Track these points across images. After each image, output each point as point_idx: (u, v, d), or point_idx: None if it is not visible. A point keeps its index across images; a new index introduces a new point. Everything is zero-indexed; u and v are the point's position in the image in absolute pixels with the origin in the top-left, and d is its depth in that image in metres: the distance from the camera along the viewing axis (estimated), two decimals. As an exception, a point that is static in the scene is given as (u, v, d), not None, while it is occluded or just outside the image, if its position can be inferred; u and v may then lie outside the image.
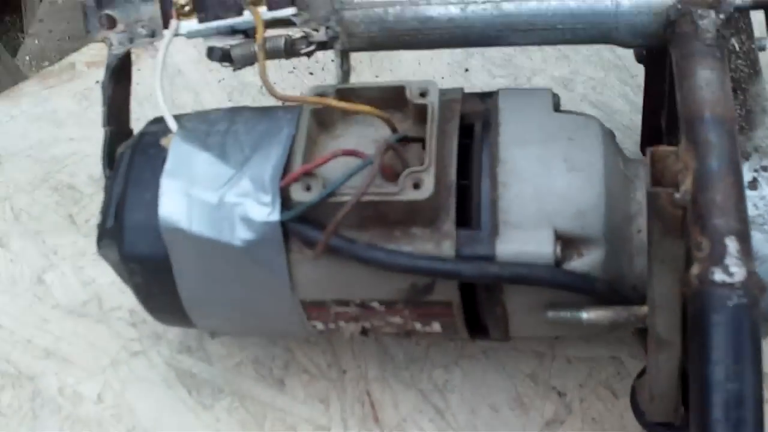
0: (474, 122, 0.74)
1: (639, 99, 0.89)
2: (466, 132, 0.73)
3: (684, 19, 0.67)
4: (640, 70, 0.87)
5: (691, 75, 0.64)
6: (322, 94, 0.72)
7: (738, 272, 0.53)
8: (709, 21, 0.66)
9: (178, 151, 0.74)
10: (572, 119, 0.73)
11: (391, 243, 0.69)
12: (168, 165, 0.73)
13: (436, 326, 0.75)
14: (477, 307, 0.73)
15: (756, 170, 0.73)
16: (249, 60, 0.75)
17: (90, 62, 1.17)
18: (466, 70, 1.11)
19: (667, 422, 0.72)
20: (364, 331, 0.77)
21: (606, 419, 0.82)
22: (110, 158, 0.79)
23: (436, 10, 0.72)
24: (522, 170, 0.70)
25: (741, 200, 0.57)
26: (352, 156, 0.69)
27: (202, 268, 0.73)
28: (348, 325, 0.76)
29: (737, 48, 0.80)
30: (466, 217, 0.70)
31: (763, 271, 0.70)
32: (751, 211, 0.71)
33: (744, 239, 0.55)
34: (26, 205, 1.03)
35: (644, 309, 0.67)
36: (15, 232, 1.00)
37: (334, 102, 0.70)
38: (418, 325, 0.75)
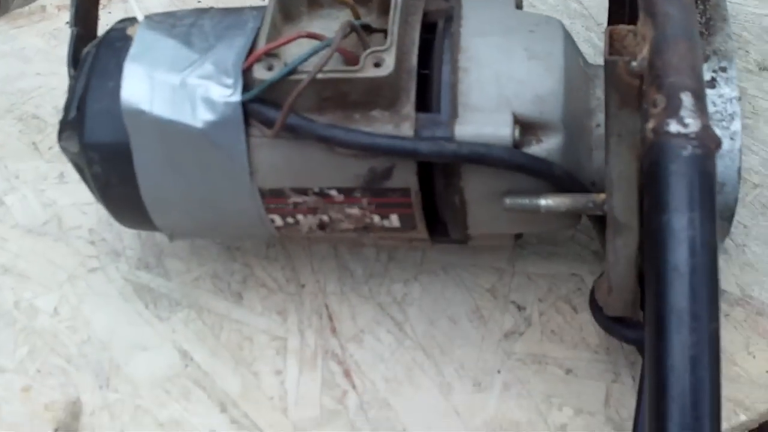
0: (437, 20, 0.74)
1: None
2: (429, 29, 0.73)
3: None
4: (604, 18, 0.89)
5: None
6: (286, -16, 0.73)
7: (693, 123, 0.54)
8: None
9: (144, 37, 0.74)
10: (534, 16, 0.74)
11: (351, 125, 0.69)
12: (132, 50, 0.73)
13: (394, 219, 0.75)
14: (435, 198, 0.73)
15: (714, 71, 0.74)
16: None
17: (60, 5, 1.17)
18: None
19: (625, 318, 0.73)
20: (322, 225, 0.76)
21: (565, 331, 0.82)
22: (75, 59, 0.79)
23: None
24: (483, 57, 0.70)
25: (697, 63, 0.58)
26: (316, 39, 0.69)
27: (163, 154, 0.73)
28: (306, 219, 0.76)
29: (699, -45, 0.81)
30: (426, 102, 0.70)
31: (721, 166, 0.72)
32: (710, 108, 0.72)
33: (699, 96, 0.56)
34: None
35: (602, 196, 0.68)
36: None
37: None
38: (376, 218, 0.75)
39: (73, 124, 0.75)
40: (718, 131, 0.70)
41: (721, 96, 0.73)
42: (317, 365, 0.82)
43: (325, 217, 0.75)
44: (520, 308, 0.83)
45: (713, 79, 0.74)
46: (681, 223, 0.52)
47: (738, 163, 0.72)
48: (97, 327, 0.86)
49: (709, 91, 0.73)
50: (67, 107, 0.76)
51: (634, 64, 0.59)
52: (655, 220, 0.53)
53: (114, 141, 0.73)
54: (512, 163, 0.68)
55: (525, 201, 0.70)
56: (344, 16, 0.73)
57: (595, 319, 0.75)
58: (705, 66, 0.74)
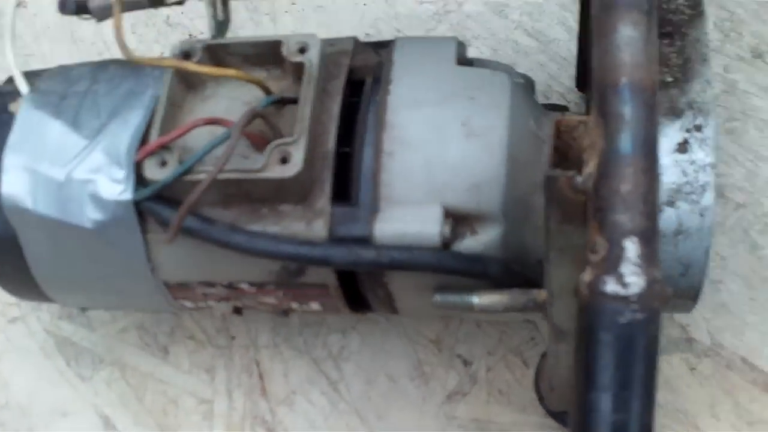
0: (365, 78, 0.65)
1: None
2: (355, 89, 0.64)
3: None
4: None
5: (609, 32, 0.55)
6: (187, 52, 0.64)
7: (635, 282, 0.46)
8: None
9: (26, 119, 0.65)
10: (476, 74, 0.64)
11: (258, 222, 0.62)
12: (12, 137, 0.65)
13: (314, 305, 0.68)
14: (358, 285, 0.66)
15: (688, 130, 0.65)
16: (109, 12, 0.65)
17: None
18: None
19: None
20: (237, 310, 0.70)
21: (514, 391, 0.76)
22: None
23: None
24: (411, 137, 0.61)
25: (651, 191, 0.49)
26: (216, 125, 0.61)
27: (54, 249, 0.65)
28: (219, 305, 0.69)
29: (679, -16, 0.71)
30: (345, 191, 0.62)
31: (687, 247, 0.64)
32: (679, 179, 0.64)
33: (648, 240, 0.48)
34: None
35: (544, 293, 0.61)
36: None
37: (191, 66, 0.61)
38: (295, 305, 0.68)
39: None
40: (685, 206, 0.64)
41: (692, 163, 0.64)
42: (245, 432, 0.76)
43: (239, 303, 0.69)
44: (466, 363, 0.77)
45: (685, 141, 0.65)
46: (607, 405, 0.46)
47: (707, 243, 0.64)
48: (17, 389, 0.81)
49: (678, 157, 0.64)
50: None
51: (578, 180, 0.51)
52: (582, 395, 0.47)
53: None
54: (439, 268, 0.60)
55: (456, 299, 0.63)
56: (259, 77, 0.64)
57: (539, 404, 0.69)
58: (677, 124, 0.65)
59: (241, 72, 0.61)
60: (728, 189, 0.82)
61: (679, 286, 0.65)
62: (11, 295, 0.72)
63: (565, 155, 0.53)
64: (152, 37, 0.95)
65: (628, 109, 0.50)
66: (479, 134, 0.61)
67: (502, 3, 0.96)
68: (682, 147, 0.64)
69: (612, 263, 0.47)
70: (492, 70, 0.64)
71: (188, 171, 0.60)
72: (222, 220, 0.62)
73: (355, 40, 0.67)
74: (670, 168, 0.64)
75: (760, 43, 0.88)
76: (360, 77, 0.65)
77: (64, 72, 0.69)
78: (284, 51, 0.62)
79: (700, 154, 0.64)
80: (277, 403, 0.78)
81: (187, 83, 0.64)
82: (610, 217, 0.48)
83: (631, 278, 0.46)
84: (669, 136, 0.64)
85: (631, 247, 0.47)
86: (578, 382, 0.48)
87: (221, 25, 0.68)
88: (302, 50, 0.62)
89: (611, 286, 0.46)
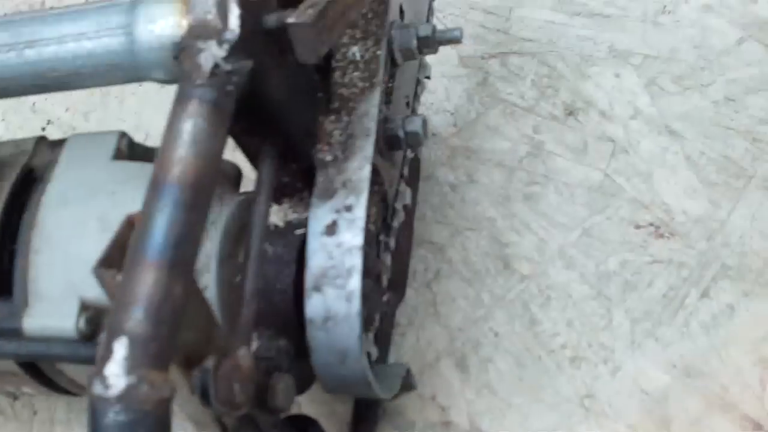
0: (38, 177, 0.68)
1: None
2: (28, 188, 0.67)
3: (184, 54, 0.57)
4: None
5: (169, 124, 0.55)
6: None
7: (116, 384, 0.46)
8: (207, 55, 0.56)
9: None
10: (125, 169, 0.65)
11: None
12: None
13: (26, 389, 0.70)
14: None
15: (338, 210, 0.63)
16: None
17: None
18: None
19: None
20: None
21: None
22: None
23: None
24: (55, 234, 0.63)
25: (166, 288, 0.49)
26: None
27: None
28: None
29: (358, 57, 0.69)
30: (6, 287, 0.64)
31: (338, 333, 0.62)
32: (326, 262, 0.62)
33: (145, 342, 0.47)
34: None
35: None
36: None
37: None
38: (10, 388, 0.71)
39: None
40: (331, 291, 0.62)
41: (339, 245, 0.62)
42: None
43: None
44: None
45: (334, 223, 0.63)
46: None
47: (358, 329, 0.61)
48: None
49: (327, 240, 0.62)
50: None
51: (119, 278, 0.51)
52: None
53: None
54: (75, 358, 0.61)
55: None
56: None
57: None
58: (327, 205, 0.63)
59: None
60: (514, 260, 0.77)
61: (343, 375, 0.63)
62: None
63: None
64: (18, 123, 1.00)
65: (158, 208, 0.50)
66: (113, 228, 0.62)
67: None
68: (331, 229, 0.62)
69: (100, 364, 0.46)
70: (142, 164, 0.65)
71: None
72: None
73: (39, 140, 0.69)
74: (317, 252, 0.62)
75: (575, 100, 0.83)
76: (35, 177, 0.67)
77: None
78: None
79: (347, 236, 0.62)
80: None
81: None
82: (110, 317, 0.48)
83: (115, 380, 0.46)
84: (318, 218, 0.63)
85: (120, 349, 0.46)
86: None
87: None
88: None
89: (97, 387, 0.46)
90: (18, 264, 0.64)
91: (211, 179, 0.54)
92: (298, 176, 0.67)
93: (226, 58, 0.55)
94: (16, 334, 0.63)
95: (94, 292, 0.60)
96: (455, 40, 0.75)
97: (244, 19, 0.56)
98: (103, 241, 0.61)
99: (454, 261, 0.79)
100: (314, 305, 0.61)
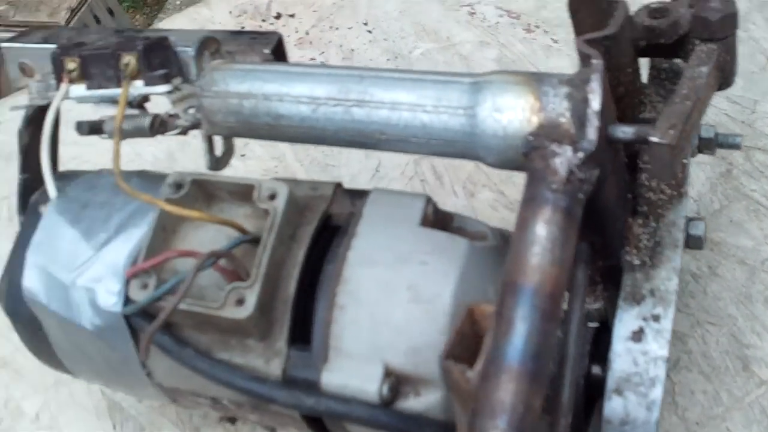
0: (339, 225, 0.69)
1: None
2: (325, 237, 0.68)
3: (536, 154, 0.58)
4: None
5: (522, 227, 0.56)
6: (178, 183, 0.69)
7: None
8: (562, 160, 0.57)
9: (49, 223, 0.73)
10: (434, 238, 0.66)
11: (226, 352, 0.67)
12: (35, 237, 0.73)
13: (292, 430, 0.72)
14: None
15: (645, 318, 0.64)
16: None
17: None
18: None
19: None
20: (231, 420, 0.75)
21: None
22: (23, 205, 0.80)
23: (287, 108, 0.66)
24: (362, 294, 0.64)
25: (526, 401, 0.50)
26: (190, 256, 0.66)
27: (67, 339, 0.73)
28: (213, 411, 0.74)
29: (665, 161, 0.70)
30: (303, 335, 0.66)
31: (634, 439, 0.63)
32: (630, 368, 0.63)
33: None
34: (21, 207, 1.05)
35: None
36: (5, 235, 1.02)
37: (167, 206, 0.66)
38: (277, 425, 0.72)
39: (1, 288, 0.76)
40: (633, 397, 0.63)
41: (645, 353, 0.63)
42: None
43: (230, 413, 0.74)
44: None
45: (641, 330, 0.64)
46: None
47: (654, 439, 0.63)
48: (67, 442, 0.90)
49: (632, 345, 0.63)
50: (6, 264, 0.77)
51: (470, 374, 0.52)
52: None
53: (28, 316, 0.74)
54: (375, 423, 0.63)
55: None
56: (243, 212, 0.69)
57: None
58: (635, 311, 0.64)
59: (209, 215, 0.67)
60: (754, 362, 0.78)
61: (626, 477, 0.64)
62: (47, 366, 0.81)
63: (467, 343, 0.54)
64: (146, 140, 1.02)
65: (519, 314, 0.51)
66: (423, 300, 0.63)
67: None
68: (637, 335, 0.63)
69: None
70: (451, 235, 0.66)
71: (160, 298, 0.66)
72: (198, 343, 0.67)
73: (336, 187, 0.71)
74: (622, 356, 0.63)
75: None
76: (334, 224, 0.69)
77: (92, 180, 0.76)
78: (255, 195, 0.67)
79: (653, 346, 0.63)
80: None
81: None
82: (477, 422, 0.49)
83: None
84: (625, 322, 0.64)
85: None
86: None
87: (218, 159, 0.73)
88: (272, 197, 0.66)
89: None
90: (320, 316, 0.65)
91: (564, 288, 0.54)
92: (597, 271, 0.68)
93: (580, 166, 0.56)
94: (309, 385, 0.64)
95: (398, 359, 0.63)
96: (735, 147, 0.76)
97: (599, 130, 0.56)
98: (412, 311, 0.63)
99: (694, 353, 0.80)
100: (614, 407, 0.62)
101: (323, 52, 1.18)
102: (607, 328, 0.66)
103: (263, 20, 1.25)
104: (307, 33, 1.22)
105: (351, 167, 1.04)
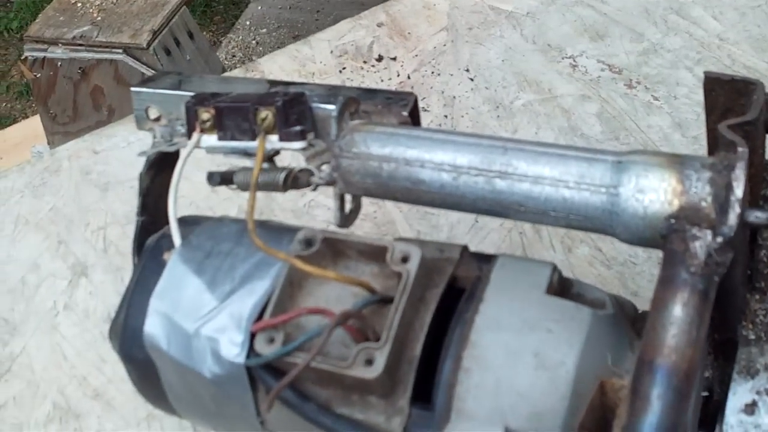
0: (465, 288, 0.70)
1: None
2: (451, 298, 0.69)
3: (676, 236, 0.59)
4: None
5: (660, 307, 0.57)
6: (309, 240, 0.70)
7: None
8: (701, 244, 0.58)
9: (173, 270, 0.75)
10: (560, 306, 0.67)
11: (347, 407, 0.68)
12: (160, 285, 0.75)
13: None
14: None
15: (759, 392, 0.65)
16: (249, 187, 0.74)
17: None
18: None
19: None
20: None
21: None
22: (140, 248, 0.82)
23: (428, 175, 0.68)
24: (488, 357, 0.66)
25: None
26: (320, 314, 0.67)
27: (182, 385, 0.75)
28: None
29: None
30: (425, 395, 0.67)
31: None
32: (741, 440, 0.64)
33: None
34: (116, 238, 1.07)
35: None
36: (100, 265, 1.05)
37: (301, 264, 0.68)
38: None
39: (115, 330, 0.78)
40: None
41: (757, 426, 0.64)
42: None
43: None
44: None
45: (754, 403, 0.65)
46: None
47: None
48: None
49: (745, 418, 0.64)
50: (121, 305, 0.78)
51: None
52: None
53: (143, 360, 0.76)
54: (490, 489, 0.64)
55: None
56: (370, 271, 0.70)
57: None
58: (749, 384, 0.65)
59: (341, 275, 0.68)
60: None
61: None
62: (154, 407, 0.82)
63: (598, 413, 0.54)
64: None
65: (656, 392, 0.53)
66: (548, 367, 0.64)
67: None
68: (750, 408, 0.64)
69: None
70: (576, 304, 0.67)
71: (287, 354, 0.67)
72: (318, 397, 0.69)
73: (463, 249, 0.72)
74: (735, 428, 0.64)
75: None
76: (460, 287, 0.70)
77: (215, 228, 0.78)
78: (388, 258, 0.68)
79: (766, 419, 0.63)
80: None
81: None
82: None
83: None
84: (738, 395, 0.65)
85: None
86: None
87: (347, 217, 0.74)
88: (404, 259, 0.68)
89: None
90: (444, 377, 0.66)
91: (699, 368, 0.55)
92: (711, 343, 0.68)
93: (718, 250, 0.57)
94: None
95: (520, 423, 0.64)
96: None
97: (740, 216, 0.57)
98: (537, 377, 0.64)
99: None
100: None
101: (425, 98, 1.19)
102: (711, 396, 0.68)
103: (365, 62, 1.27)
104: (409, 77, 1.24)
105: (450, 216, 1.05)
